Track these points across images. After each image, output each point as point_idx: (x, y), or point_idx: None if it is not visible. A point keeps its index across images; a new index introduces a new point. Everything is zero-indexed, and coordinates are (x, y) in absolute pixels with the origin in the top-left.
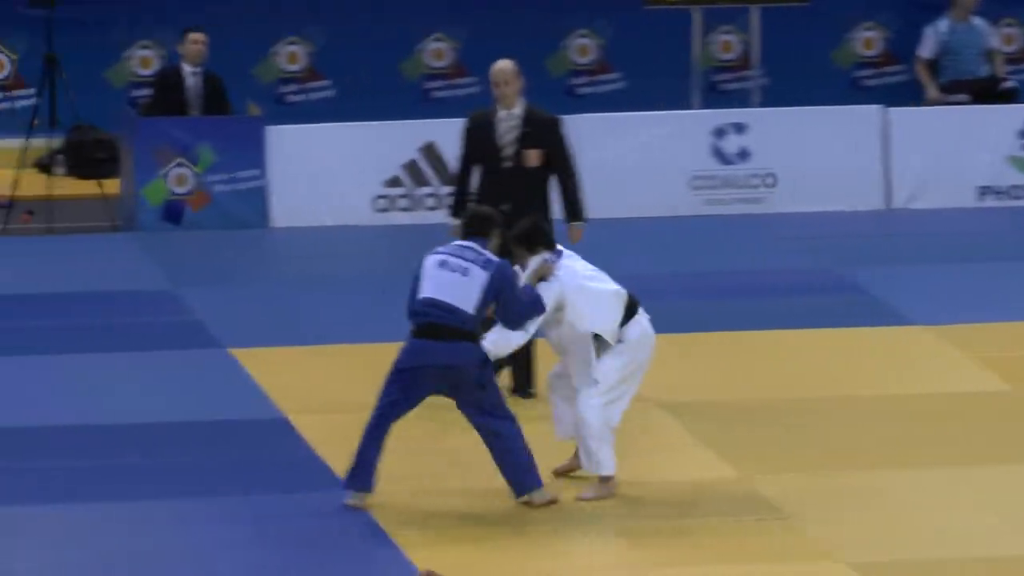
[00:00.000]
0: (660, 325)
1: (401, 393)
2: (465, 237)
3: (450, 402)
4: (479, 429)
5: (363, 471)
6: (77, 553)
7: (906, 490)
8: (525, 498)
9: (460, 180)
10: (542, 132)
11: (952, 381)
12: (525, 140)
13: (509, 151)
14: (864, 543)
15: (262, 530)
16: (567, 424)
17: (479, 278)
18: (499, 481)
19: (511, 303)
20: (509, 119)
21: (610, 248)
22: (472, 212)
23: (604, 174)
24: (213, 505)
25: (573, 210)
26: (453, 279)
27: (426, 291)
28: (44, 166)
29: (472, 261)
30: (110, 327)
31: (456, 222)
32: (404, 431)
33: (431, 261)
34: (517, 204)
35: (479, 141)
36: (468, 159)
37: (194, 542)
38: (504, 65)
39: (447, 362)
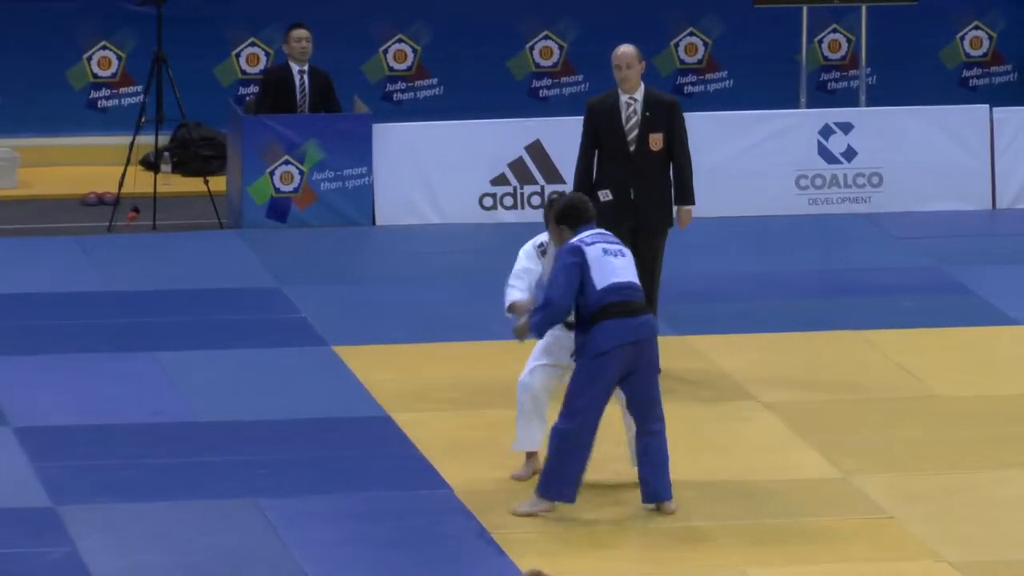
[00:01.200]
0: (765, 324)
1: (601, 384)
2: (599, 225)
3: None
4: (641, 421)
5: (569, 481)
6: (171, 553)
7: (1008, 490)
8: (655, 506)
9: (584, 166)
10: (663, 115)
11: None
12: (648, 124)
13: (633, 135)
14: (966, 542)
15: (364, 529)
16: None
17: (631, 258)
18: (612, 476)
19: None
20: (632, 103)
21: (716, 246)
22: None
23: (710, 173)
24: (314, 503)
25: (685, 193)
26: (622, 262)
27: (610, 278)
28: (151, 163)
29: (618, 243)
30: (215, 324)
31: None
32: (507, 429)
33: (592, 252)
34: (642, 188)
35: (602, 126)
36: (590, 145)
37: (295, 541)
38: (627, 49)
39: (648, 333)
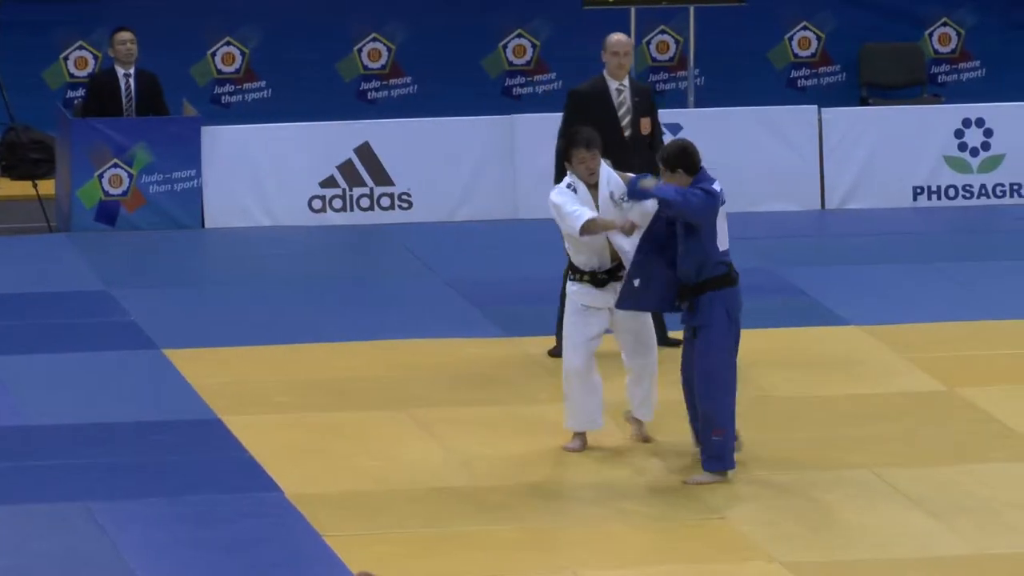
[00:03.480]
0: None
1: (732, 350)
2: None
3: (387, 396)
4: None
5: (731, 447)
6: (2, 558)
7: (839, 490)
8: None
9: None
10: (646, 100)
11: (886, 382)
12: (638, 109)
13: (627, 120)
14: (798, 542)
15: (196, 532)
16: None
17: None
18: (440, 481)
19: None
20: (622, 90)
21: (544, 248)
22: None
23: (542, 175)
24: (145, 506)
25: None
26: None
27: (725, 242)
28: None
29: None
30: (44, 328)
31: None
32: (339, 431)
33: (722, 209)
34: (638, 170)
35: (593, 113)
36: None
37: (124, 544)
38: (623, 36)
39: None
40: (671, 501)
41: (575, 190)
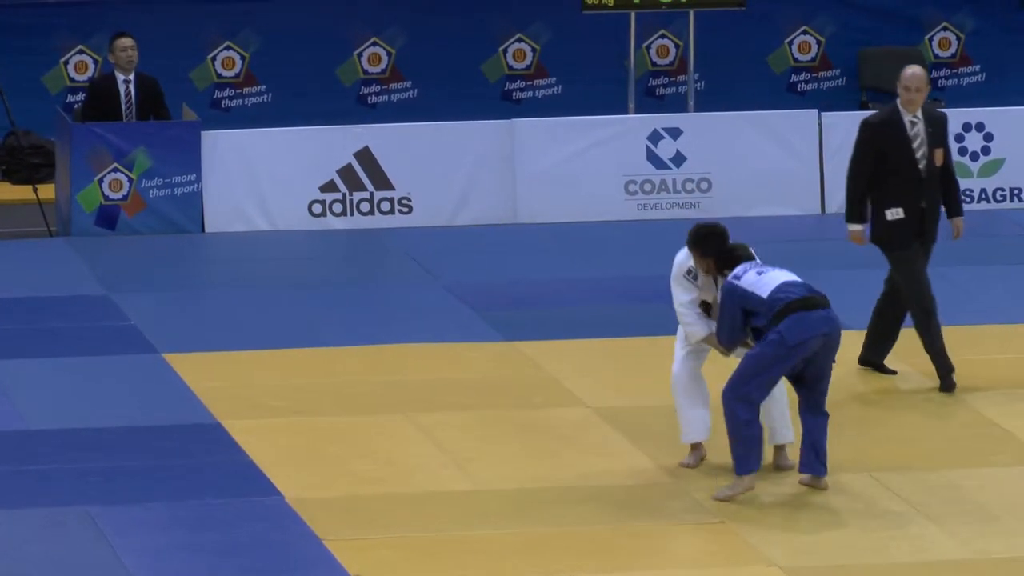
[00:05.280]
0: (595, 330)
1: (779, 371)
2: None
3: (386, 400)
4: (807, 402)
5: (758, 448)
6: (2, 562)
7: (840, 497)
8: (812, 479)
9: (863, 183)
10: (939, 131)
11: (885, 386)
12: (933, 140)
13: (921, 152)
14: (797, 548)
15: (195, 537)
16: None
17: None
18: (438, 486)
19: None
20: (916, 122)
21: (545, 252)
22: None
23: (540, 178)
24: (145, 511)
25: (957, 205)
26: (780, 272)
27: (773, 284)
28: None
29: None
30: (44, 332)
31: (855, 227)
32: (338, 436)
33: (747, 278)
34: (932, 204)
35: (887, 144)
36: (869, 162)
37: (123, 549)
38: (917, 71)
39: (837, 327)
40: (668, 505)
41: (695, 278)
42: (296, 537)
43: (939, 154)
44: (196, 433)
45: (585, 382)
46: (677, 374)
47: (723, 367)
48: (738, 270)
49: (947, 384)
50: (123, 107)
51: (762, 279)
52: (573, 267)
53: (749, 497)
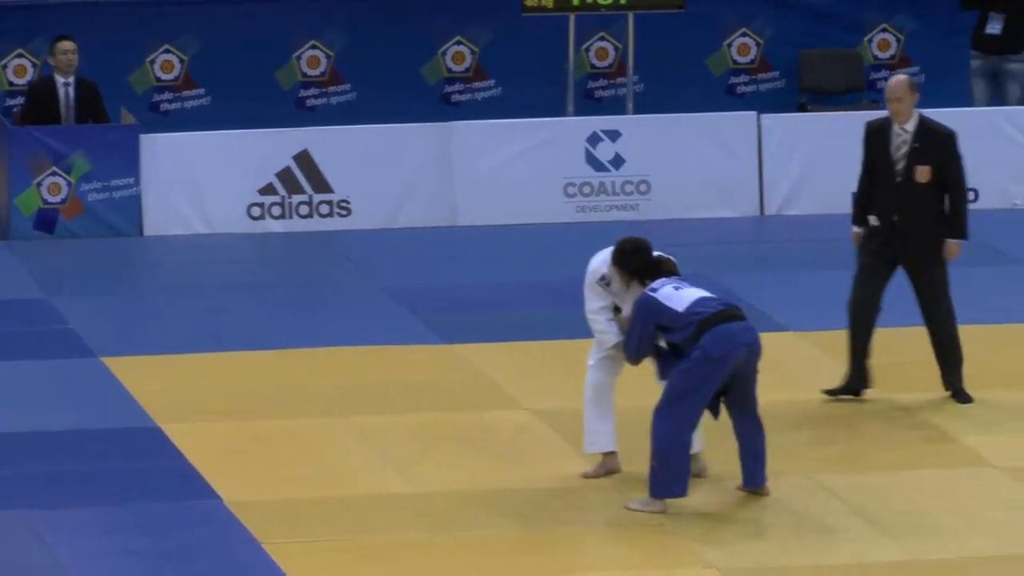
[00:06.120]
0: (533, 332)
1: (708, 388)
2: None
3: (326, 403)
4: (739, 416)
5: (679, 477)
6: None
7: (777, 493)
8: (756, 489)
9: (861, 187)
10: (933, 147)
11: (824, 388)
12: (915, 156)
13: (900, 165)
14: (734, 548)
15: (135, 541)
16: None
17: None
18: (378, 489)
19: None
20: (902, 133)
21: (484, 255)
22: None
23: (478, 181)
24: (84, 515)
25: (952, 226)
26: (696, 290)
27: (690, 299)
28: None
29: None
30: None
31: (857, 230)
32: (278, 439)
33: (663, 291)
34: (908, 218)
35: (874, 151)
36: (867, 169)
37: (63, 554)
38: (898, 80)
39: (756, 337)
40: (608, 508)
41: (607, 284)
42: (236, 541)
43: (922, 171)
44: (135, 437)
45: (525, 385)
46: (589, 381)
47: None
48: (656, 283)
49: (837, 390)
50: (62, 110)
51: (679, 294)
52: (512, 270)
53: (687, 499)
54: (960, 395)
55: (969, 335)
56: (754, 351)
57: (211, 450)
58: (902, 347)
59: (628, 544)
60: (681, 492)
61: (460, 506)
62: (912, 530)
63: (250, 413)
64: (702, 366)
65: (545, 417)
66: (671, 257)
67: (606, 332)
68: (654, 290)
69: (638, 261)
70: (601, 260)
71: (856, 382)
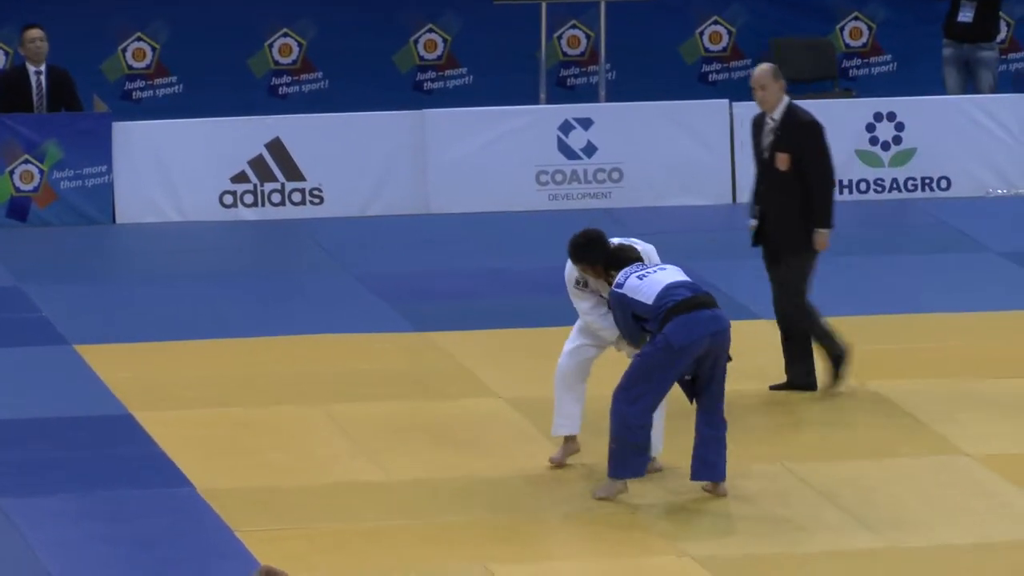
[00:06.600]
0: (505, 320)
1: (672, 374)
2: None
3: (298, 391)
4: (705, 406)
5: (637, 455)
6: None
7: (751, 483)
8: (710, 486)
9: (755, 179)
10: (794, 137)
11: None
12: (776, 144)
13: (766, 154)
14: (709, 537)
15: (108, 528)
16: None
17: (674, 268)
18: (350, 476)
19: None
20: (770, 123)
21: (456, 243)
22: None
23: (450, 169)
24: (57, 502)
25: (813, 216)
26: (663, 274)
27: (657, 287)
28: None
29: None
30: None
31: (753, 222)
32: (250, 427)
33: (629, 284)
34: (771, 207)
35: (753, 142)
36: (754, 160)
37: (36, 541)
38: (758, 70)
39: (725, 325)
40: (581, 495)
41: (585, 286)
42: (208, 528)
43: (781, 159)
44: (108, 425)
45: (497, 372)
46: (562, 365)
47: None
48: (619, 278)
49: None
50: (34, 99)
51: (644, 284)
52: (485, 258)
53: (661, 488)
54: (798, 387)
55: (941, 323)
56: (718, 341)
57: (183, 438)
58: (875, 335)
59: (602, 532)
60: (639, 471)
61: (432, 494)
62: (886, 518)
63: (222, 401)
64: (662, 353)
65: (518, 405)
66: (632, 242)
67: (605, 329)
68: (620, 285)
69: (599, 251)
70: (572, 265)
71: (799, 378)
